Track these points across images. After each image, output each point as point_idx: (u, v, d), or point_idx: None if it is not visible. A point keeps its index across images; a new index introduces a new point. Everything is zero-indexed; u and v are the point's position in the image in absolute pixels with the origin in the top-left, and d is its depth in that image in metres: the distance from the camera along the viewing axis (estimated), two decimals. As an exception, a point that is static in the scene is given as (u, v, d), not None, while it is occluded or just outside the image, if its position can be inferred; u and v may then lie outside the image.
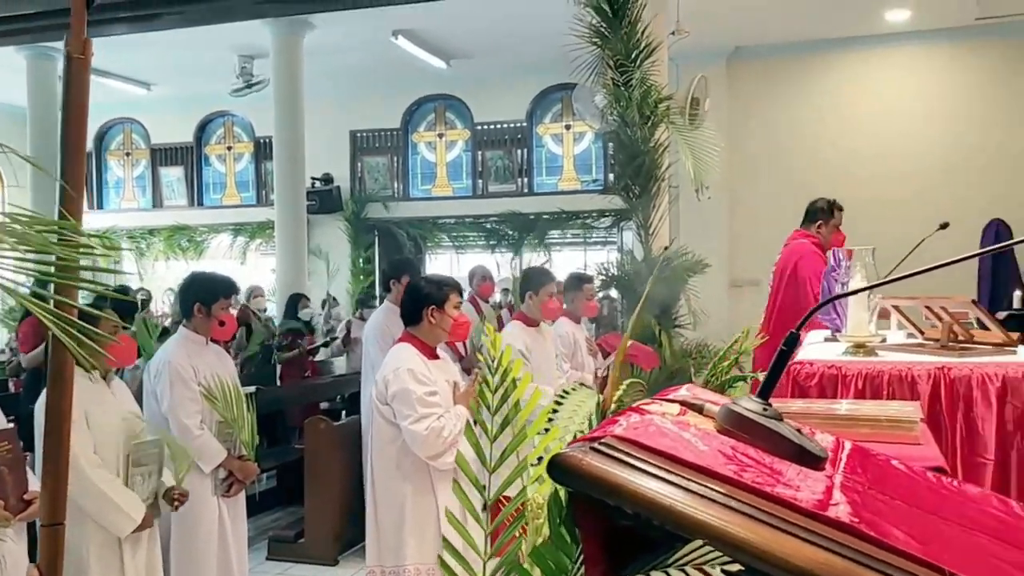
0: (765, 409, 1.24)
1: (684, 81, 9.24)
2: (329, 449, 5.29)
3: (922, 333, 3.44)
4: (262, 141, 11.65)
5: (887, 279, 1.54)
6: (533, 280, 4.83)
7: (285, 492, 6.70)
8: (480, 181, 11.15)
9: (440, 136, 11.35)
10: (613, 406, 1.36)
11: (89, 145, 12.73)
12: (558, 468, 0.95)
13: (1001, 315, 8.73)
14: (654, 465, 0.95)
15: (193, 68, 10.19)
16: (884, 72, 9.32)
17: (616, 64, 6.44)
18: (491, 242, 10.97)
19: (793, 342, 1.28)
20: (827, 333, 3.72)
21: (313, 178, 11.46)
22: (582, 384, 4.52)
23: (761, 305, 8.10)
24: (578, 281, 5.53)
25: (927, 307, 3.32)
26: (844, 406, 2.21)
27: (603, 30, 6.34)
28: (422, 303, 3.12)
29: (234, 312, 4.01)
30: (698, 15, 8.49)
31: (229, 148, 12.29)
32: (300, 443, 6.17)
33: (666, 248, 8.05)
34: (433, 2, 7.96)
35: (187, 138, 12.29)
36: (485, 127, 11.07)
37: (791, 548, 0.88)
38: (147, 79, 11.00)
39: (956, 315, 3.26)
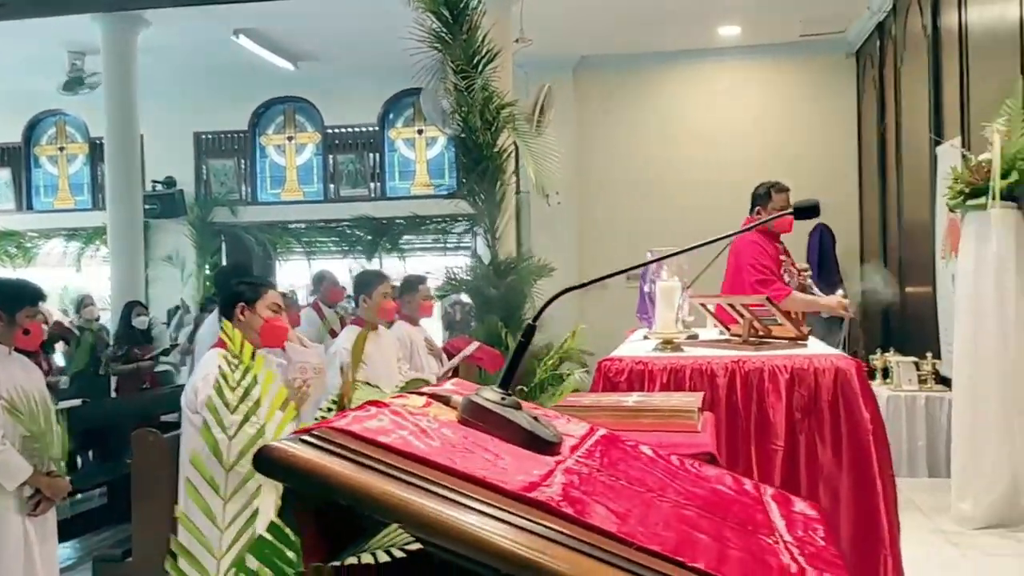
0: (503, 399, 1.28)
1: (531, 89, 9.47)
2: (159, 462, 5.07)
3: (728, 330, 3.63)
4: (98, 142, 11.07)
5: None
6: (366, 283, 4.80)
7: (117, 509, 6.39)
8: (332, 185, 10.99)
9: (289, 139, 11.12)
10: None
11: (-97, 144, 11.78)
12: (265, 460, 0.96)
13: (825, 315, 9.35)
14: (364, 455, 0.97)
15: (21, 65, 9.59)
16: (717, 84, 9.81)
17: (458, 69, 6.50)
18: (344, 247, 10.83)
19: (530, 333, 1.34)
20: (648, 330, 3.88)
21: (154, 181, 11.00)
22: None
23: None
24: (412, 283, 5.53)
25: (731, 305, 3.51)
26: (632, 399, 2.31)
27: (444, 35, 6.39)
28: (234, 301, 3.04)
29: (43, 320, 3.81)
30: (543, 24, 8.68)
31: (61, 149, 11.62)
32: (132, 458, 5.89)
33: (518, 253, 8.21)
34: (273, 1, 7.83)
35: (14, 138, 11.54)
36: (336, 131, 10.93)
37: (488, 529, 0.92)
38: (-33, 75, 10.28)
39: (758, 312, 3.46)
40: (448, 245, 10.70)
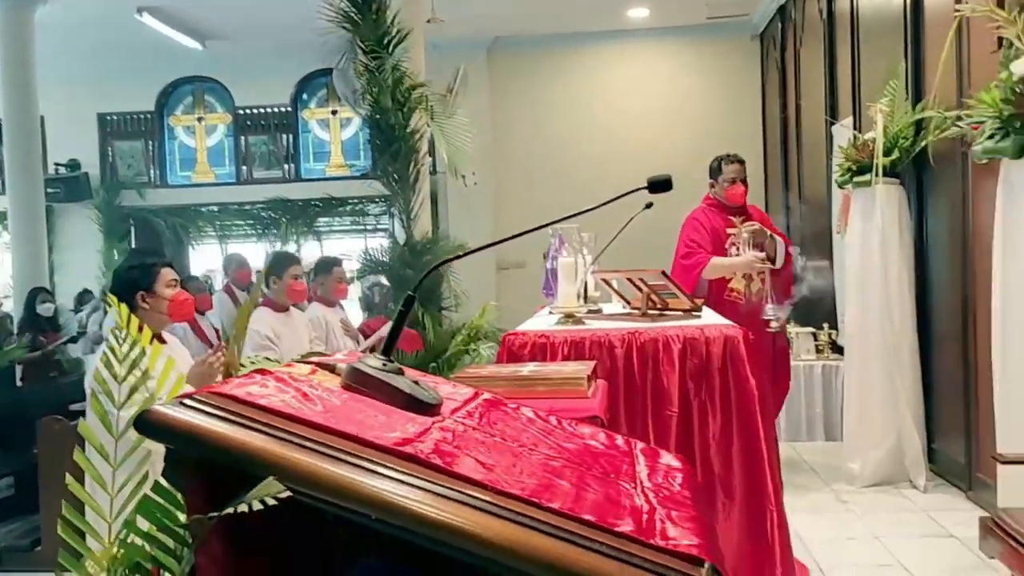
0: (385, 365, 1.36)
1: (447, 69, 9.48)
2: (66, 450, 5.00)
3: (629, 303, 3.78)
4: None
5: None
6: (276, 264, 4.80)
7: (25, 500, 6.25)
8: (244, 167, 10.83)
9: (199, 120, 10.89)
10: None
11: None
12: (145, 423, 1.02)
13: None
14: (240, 415, 1.04)
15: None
16: (628, 64, 10.01)
17: (368, 50, 6.49)
18: (259, 230, 10.69)
19: (410, 303, 1.43)
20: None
21: (57, 164, 10.66)
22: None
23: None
24: (327, 265, 5.54)
25: (629, 279, 3.65)
26: (528, 368, 2.42)
27: (353, 16, 6.37)
28: (132, 289, 3.02)
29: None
30: (457, 5, 8.71)
31: (-43, 131, 11.13)
32: (40, 447, 5.77)
33: (434, 234, 8.25)
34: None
35: (-95, 120, 11.01)
36: (248, 111, 10.75)
37: (359, 480, 1.00)
38: None
39: (656, 286, 3.61)
40: (367, 227, 10.66)
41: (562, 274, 3.37)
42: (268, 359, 1.93)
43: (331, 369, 1.40)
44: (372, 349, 6.18)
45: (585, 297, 4.24)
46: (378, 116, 6.75)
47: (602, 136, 10.04)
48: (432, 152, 8.58)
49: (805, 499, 4.52)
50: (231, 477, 1.07)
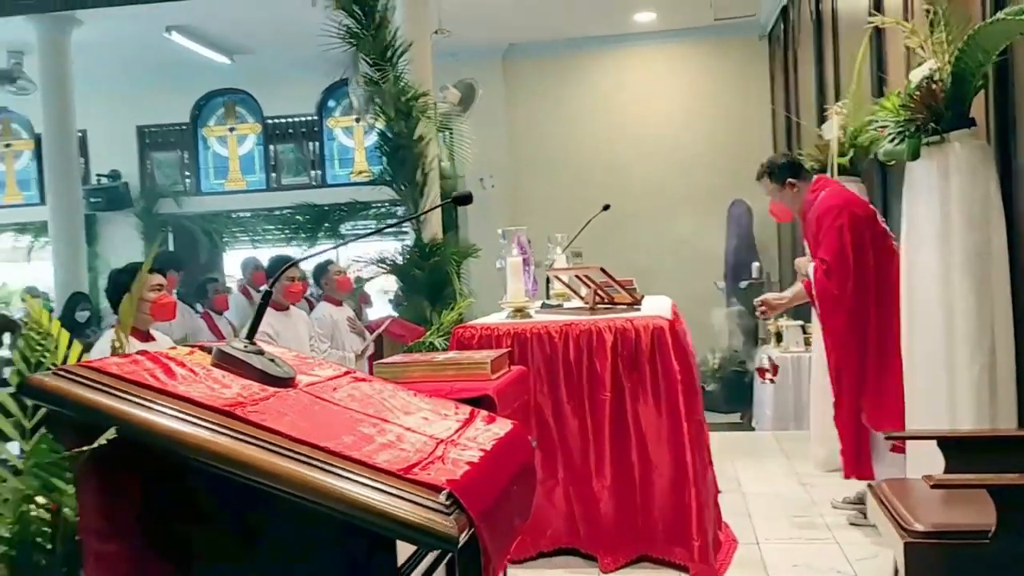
0: (246, 346, 1.70)
1: (463, 76, 9.85)
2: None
3: (582, 298, 4.07)
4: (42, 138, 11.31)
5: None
6: (273, 269, 5.18)
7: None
8: (273, 174, 11.33)
9: (231, 130, 11.43)
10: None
11: None
12: (24, 386, 1.37)
13: (744, 283, 9.84)
14: (93, 380, 1.39)
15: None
16: (639, 68, 10.25)
17: (372, 63, 6.87)
18: (287, 234, 11.16)
19: (267, 296, 1.77)
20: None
21: (99, 175, 11.29)
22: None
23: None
24: (323, 266, 5.95)
25: (577, 276, 3.95)
26: (442, 356, 2.74)
27: (355, 30, 6.75)
28: (121, 291, 3.42)
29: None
30: (472, 14, 9.05)
31: (8, 146, 11.85)
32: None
33: (445, 236, 8.60)
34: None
35: (-40, 136, 11.78)
36: (276, 121, 11.26)
37: (177, 428, 1.34)
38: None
39: (602, 283, 3.90)
40: (388, 230, 11.05)
41: (510, 272, 3.68)
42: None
43: (208, 351, 1.74)
44: (378, 345, 6.58)
45: (547, 293, 4.56)
46: (384, 125, 7.14)
47: (616, 138, 10.30)
48: (452, 157, 8.97)
49: (769, 481, 4.77)
50: (96, 432, 1.42)
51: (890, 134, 3.18)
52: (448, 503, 1.34)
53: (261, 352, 1.72)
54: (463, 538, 1.32)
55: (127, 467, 1.44)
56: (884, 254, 3.74)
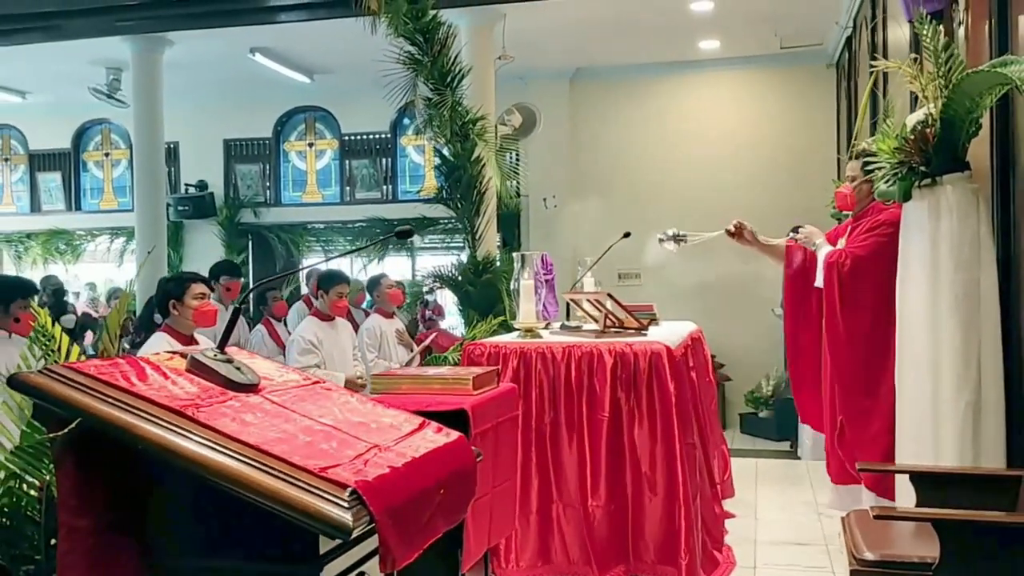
0: (216, 355, 1.96)
1: (532, 97, 10.12)
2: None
3: (596, 321, 4.24)
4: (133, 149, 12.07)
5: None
6: (325, 281, 5.49)
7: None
8: (348, 188, 11.80)
9: (310, 145, 11.97)
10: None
11: (-31, 150, 13.00)
12: (16, 382, 1.65)
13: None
14: (71, 379, 1.66)
15: (67, 78, 10.59)
16: (701, 93, 10.33)
17: (433, 87, 7.20)
18: (358, 246, 11.59)
19: (237, 313, 2.02)
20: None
21: (187, 184, 11.98)
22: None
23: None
24: (376, 280, 6.26)
25: (588, 301, 4.12)
26: (432, 371, 2.97)
27: (418, 57, 7.08)
28: (166, 299, 3.78)
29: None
30: (542, 39, 9.32)
31: (107, 155, 12.68)
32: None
33: (501, 253, 8.86)
34: (284, 24, 8.63)
35: (65, 144, 12.64)
36: (352, 138, 11.74)
37: (131, 422, 1.60)
38: (22, 88, 11.37)
39: (629, 306, 4.06)
40: (453, 244, 11.39)
41: (523, 294, 3.89)
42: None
43: (184, 356, 2.00)
44: (424, 355, 6.87)
45: (567, 315, 4.74)
46: (441, 146, 7.46)
47: (678, 161, 10.39)
48: (508, 178, 9.23)
49: (787, 509, 4.83)
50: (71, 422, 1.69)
51: (884, 175, 3.27)
52: (351, 499, 1.56)
53: (230, 360, 1.97)
54: (359, 530, 1.53)
55: (98, 453, 1.71)
56: None
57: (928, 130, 3.12)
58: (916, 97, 3.67)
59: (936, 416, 3.15)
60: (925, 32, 3.15)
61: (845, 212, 4.64)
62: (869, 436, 3.64)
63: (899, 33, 5.84)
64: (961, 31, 3.80)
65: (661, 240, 4.57)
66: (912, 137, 3.17)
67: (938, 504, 2.75)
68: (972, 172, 3.18)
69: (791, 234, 4.50)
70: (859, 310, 3.84)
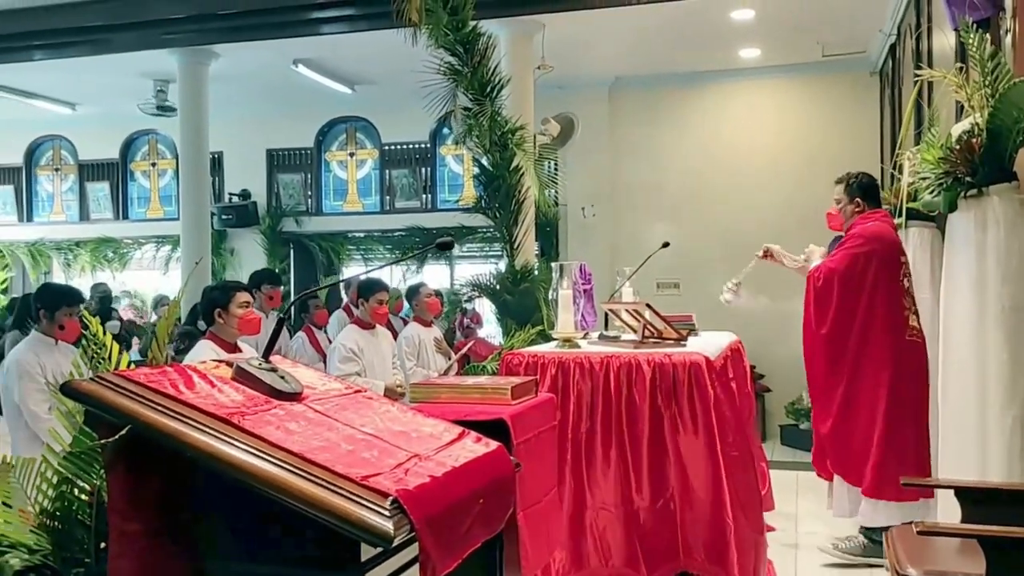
0: (261, 364, 2.00)
1: (571, 106, 10.12)
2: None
3: (635, 331, 4.23)
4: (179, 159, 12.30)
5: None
6: (365, 289, 5.55)
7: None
8: (388, 197, 11.91)
9: (351, 155, 12.10)
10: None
11: (19, 160, 13.33)
12: (69, 390, 1.70)
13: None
14: (121, 387, 1.70)
15: (115, 90, 10.85)
16: (743, 102, 10.25)
17: (472, 97, 7.25)
18: (397, 254, 11.68)
19: (281, 322, 2.06)
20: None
21: (231, 193, 12.18)
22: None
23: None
24: (415, 288, 6.31)
25: (627, 311, 4.11)
26: (471, 380, 2.99)
27: (457, 67, 7.13)
28: (211, 307, 3.85)
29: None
30: (581, 48, 9.34)
31: (153, 165, 12.94)
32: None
33: (540, 262, 8.88)
34: (325, 36, 8.76)
35: (113, 154, 12.92)
36: (392, 147, 11.84)
37: (179, 429, 1.63)
38: (71, 99, 11.67)
39: (668, 316, 4.05)
40: (491, 253, 11.42)
41: (561, 304, 3.90)
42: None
43: (230, 365, 2.04)
44: (461, 363, 6.91)
45: (605, 324, 4.74)
46: (481, 155, 7.50)
47: (718, 170, 10.33)
48: (548, 187, 9.24)
49: (831, 523, 4.77)
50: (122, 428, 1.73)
51: (929, 186, 3.23)
52: (392, 507, 1.58)
53: (274, 369, 2.01)
54: (399, 538, 1.55)
55: (149, 459, 1.75)
56: (892, 286, 4.23)
57: (974, 140, 3.08)
58: (962, 106, 3.62)
59: (982, 430, 3.10)
60: (971, 41, 3.11)
61: (838, 233, 5.05)
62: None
63: (944, 41, 5.76)
64: (1008, 39, 3.74)
65: (728, 301, 4.86)
66: (958, 147, 3.13)
67: (984, 520, 2.70)
68: (1020, 183, 3.13)
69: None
70: (826, 321, 4.32)
